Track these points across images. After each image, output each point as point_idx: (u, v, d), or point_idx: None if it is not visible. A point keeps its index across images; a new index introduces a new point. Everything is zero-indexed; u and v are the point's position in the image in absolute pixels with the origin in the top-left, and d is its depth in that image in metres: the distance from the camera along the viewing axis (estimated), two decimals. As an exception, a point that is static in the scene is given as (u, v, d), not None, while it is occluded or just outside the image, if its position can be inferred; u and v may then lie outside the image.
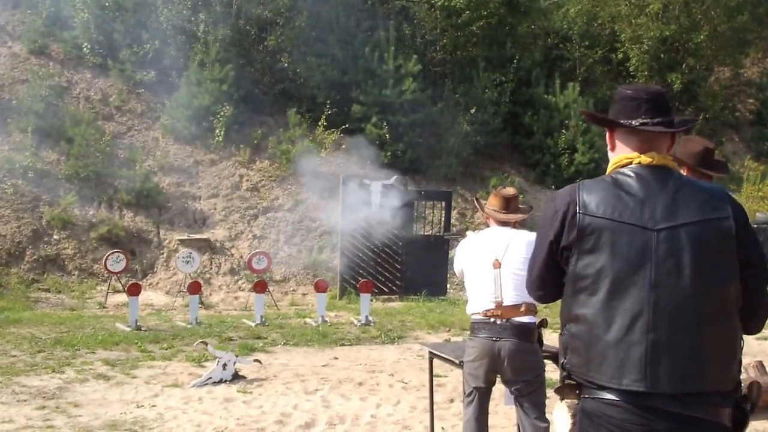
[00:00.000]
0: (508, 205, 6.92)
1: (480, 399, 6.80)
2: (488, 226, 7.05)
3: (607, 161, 3.90)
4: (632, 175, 3.63)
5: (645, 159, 3.65)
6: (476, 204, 7.43)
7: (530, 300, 6.48)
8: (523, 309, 6.50)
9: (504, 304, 6.49)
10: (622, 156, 3.73)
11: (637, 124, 3.69)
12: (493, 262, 6.60)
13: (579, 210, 3.60)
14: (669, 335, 3.42)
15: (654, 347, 3.41)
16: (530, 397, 6.60)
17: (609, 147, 3.87)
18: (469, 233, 7.31)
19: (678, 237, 3.47)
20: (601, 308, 3.50)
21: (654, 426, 3.41)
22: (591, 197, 3.61)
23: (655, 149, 3.67)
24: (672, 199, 3.55)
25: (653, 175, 3.62)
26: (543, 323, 6.80)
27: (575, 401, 4.75)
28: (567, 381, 3.72)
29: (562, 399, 3.92)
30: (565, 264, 3.67)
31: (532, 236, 6.82)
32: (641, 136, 3.70)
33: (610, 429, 3.48)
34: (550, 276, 3.77)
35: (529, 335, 6.53)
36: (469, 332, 6.76)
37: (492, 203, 7.00)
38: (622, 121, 3.73)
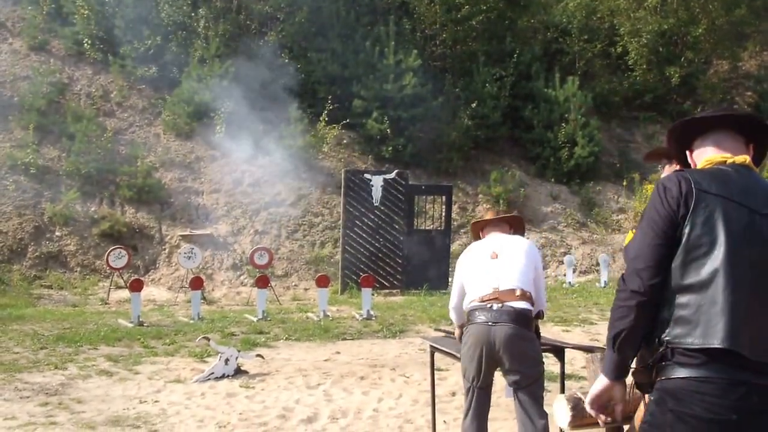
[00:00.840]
0: (497, 212, 7.28)
1: (478, 399, 6.68)
2: None
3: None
4: (729, 169, 3.86)
5: (739, 159, 3.91)
6: (472, 231, 7.52)
7: (527, 287, 6.52)
8: (518, 294, 6.41)
9: (500, 289, 6.46)
10: (717, 155, 3.96)
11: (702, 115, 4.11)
12: (491, 254, 6.66)
13: (693, 186, 3.77)
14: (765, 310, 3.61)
15: (757, 318, 3.59)
16: (529, 390, 6.45)
17: (692, 166, 4.14)
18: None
19: None
20: (716, 276, 3.63)
21: (743, 396, 3.52)
22: (700, 177, 3.82)
23: (736, 154, 3.97)
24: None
25: (747, 171, 3.88)
26: (539, 315, 6.82)
27: (575, 395, 4.80)
28: (649, 362, 3.80)
29: (638, 385, 3.93)
30: (680, 232, 3.78)
31: (528, 242, 6.95)
32: (715, 143, 4.01)
33: (703, 407, 3.54)
34: (666, 254, 3.80)
35: (527, 322, 6.44)
36: (467, 321, 6.70)
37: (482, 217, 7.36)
38: (693, 116, 4.12)
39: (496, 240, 6.86)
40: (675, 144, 4.20)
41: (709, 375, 3.55)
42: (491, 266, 6.59)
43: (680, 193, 3.77)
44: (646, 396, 4.03)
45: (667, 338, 3.70)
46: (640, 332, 3.78)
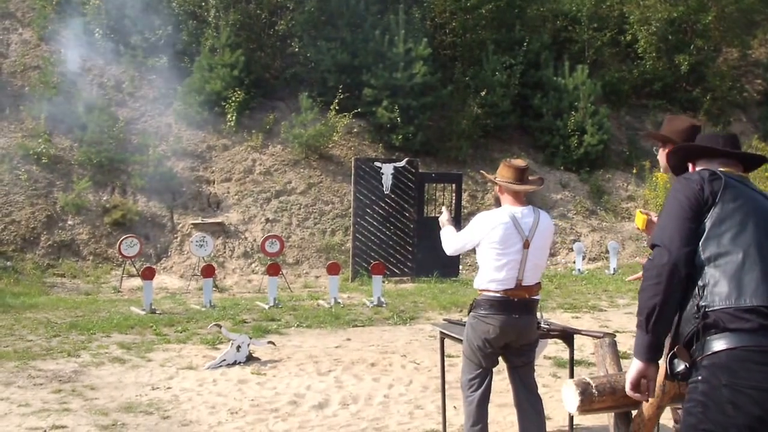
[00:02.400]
0: (522, 176, 6.96)
1: (489, 381, 6.93)
2: (498, 200, 7.13)
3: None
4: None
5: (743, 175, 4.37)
6: (484, 176, 7.46)
7: (539, 279, 6.88)
8: (536, 288, 6.87)
9: (524, 284, 6.73)
10: (725, 169, 4.29)
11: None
12: (524, 241, 6.70)
13: (719, 173, 4.08)
14: None
15: None
16: (531, 366, 7.08)
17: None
18: (443, 210, 7.48)
19: None
20: (751, 246, 3.79)
21: None
22: (720, 171, 4.16)
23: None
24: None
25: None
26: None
27: (583, 380, 4.87)
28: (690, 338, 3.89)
29: (673, 369, 3.96)
30: (707, 211, 3.95)
31: (552, 226, 7.13)
32: (722, 164, 4.35)
33: (763, 376, 3.55)
34: (694, 229, 3.93)
35: (536, 309, 6.99)
36: (480, 309, 6.81)
37: (504, 174, 6.99)
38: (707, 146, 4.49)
39: (526, 218, 6.81)
40: (678, 161, 4.54)
41: (765, 343, 3.58)
42: (521, 257, 6.71)
43: (702, 180, 4.00)
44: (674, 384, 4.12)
45: (704, 302, 3.75)
46: (673, 307, 3.81)
